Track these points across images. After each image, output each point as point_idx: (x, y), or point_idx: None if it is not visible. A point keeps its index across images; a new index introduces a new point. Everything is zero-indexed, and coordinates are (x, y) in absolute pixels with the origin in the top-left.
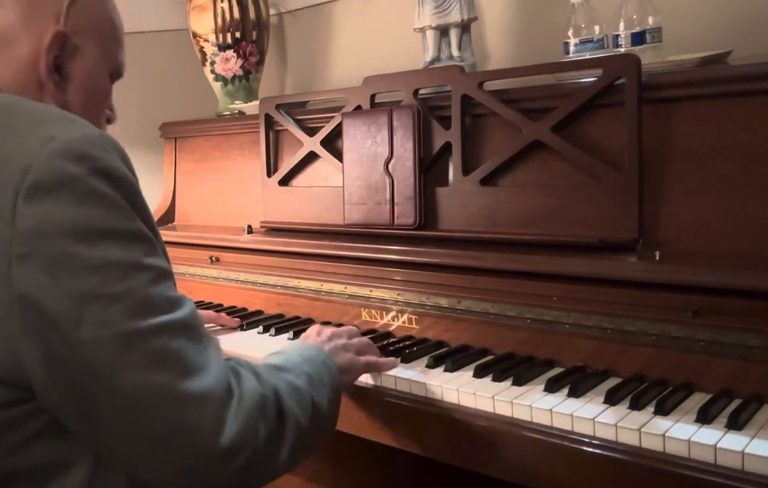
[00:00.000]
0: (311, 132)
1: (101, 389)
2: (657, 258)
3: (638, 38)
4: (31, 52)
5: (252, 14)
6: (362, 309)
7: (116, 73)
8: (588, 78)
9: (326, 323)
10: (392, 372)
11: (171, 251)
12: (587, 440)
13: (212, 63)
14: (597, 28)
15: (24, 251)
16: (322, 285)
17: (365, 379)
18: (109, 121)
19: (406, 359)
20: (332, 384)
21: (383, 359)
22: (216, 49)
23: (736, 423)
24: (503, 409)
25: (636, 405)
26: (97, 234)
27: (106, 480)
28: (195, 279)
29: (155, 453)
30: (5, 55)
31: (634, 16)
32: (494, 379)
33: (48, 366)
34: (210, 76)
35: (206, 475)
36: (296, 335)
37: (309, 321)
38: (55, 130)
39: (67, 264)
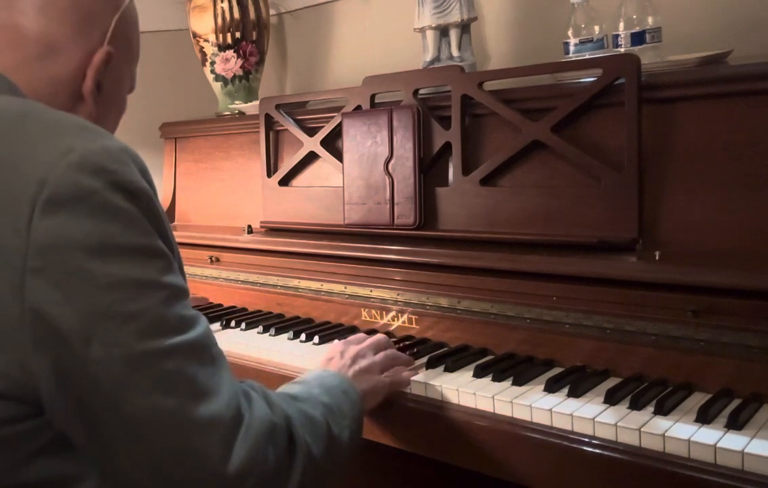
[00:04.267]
0: (311, 132)
1: (108, 409)
2: (657, 258)
3: (638, 38)
4: (77, 66)
5: (252, 14)
6: (362, 309)
7: (132, 88)
8: (588, 78)
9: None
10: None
11: None
12: (587, 440)
13: (212, 63)
14: (597, 28)
15: (38, 265)
16: (322, 285)
17: None
18: None
19: None
20: (353, 414)
21: (407, 373)
22: (216, 49)
23: (735, 423)
24: (503, 409)
25: (636, 405)
26: (113, 250)
27: None
28: (195, 279)
29: (159, 477)
30: (44, 64)
31: (634, 16)
32: (494, 379)
33: (57, 382)
34: (210, 76)
35: None
36: (296, 335)
37: (308, 321)
38: (74, 141)
39: (81, 280)
